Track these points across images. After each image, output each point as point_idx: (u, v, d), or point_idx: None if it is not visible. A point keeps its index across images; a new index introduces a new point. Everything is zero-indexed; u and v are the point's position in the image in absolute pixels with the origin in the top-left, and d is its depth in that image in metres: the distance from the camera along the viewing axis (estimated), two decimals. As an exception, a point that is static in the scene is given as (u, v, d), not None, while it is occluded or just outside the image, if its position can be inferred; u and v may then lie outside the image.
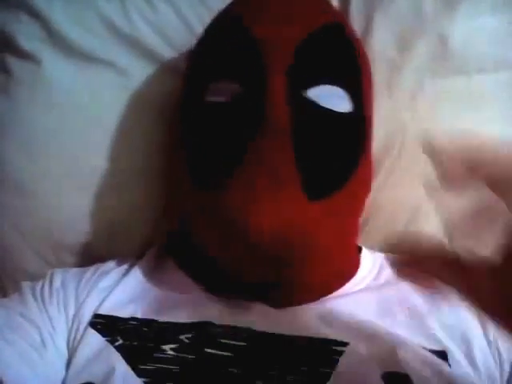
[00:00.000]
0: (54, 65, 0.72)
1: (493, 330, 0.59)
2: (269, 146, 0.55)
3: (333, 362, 0.53)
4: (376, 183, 0.70)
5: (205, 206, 0.58)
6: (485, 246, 0.70)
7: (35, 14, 0.72)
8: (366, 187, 0.64)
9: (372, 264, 0.66)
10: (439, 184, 0.70)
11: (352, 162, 0.59)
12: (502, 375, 0.56)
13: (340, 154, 0.58)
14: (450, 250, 0.70)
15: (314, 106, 0.57)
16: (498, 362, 0.57)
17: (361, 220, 0.68)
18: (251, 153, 0.55)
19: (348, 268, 0.65)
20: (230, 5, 0.65)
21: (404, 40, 0.71)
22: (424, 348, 0.56)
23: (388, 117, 0.71)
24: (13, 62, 0.72)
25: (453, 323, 0.59)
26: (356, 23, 0.73)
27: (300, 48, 0.57)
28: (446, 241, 0.70)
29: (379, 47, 0.72)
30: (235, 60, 0.59)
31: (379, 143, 0.71)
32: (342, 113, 0.59)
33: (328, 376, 0.52)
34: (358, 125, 0.61)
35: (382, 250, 0.71)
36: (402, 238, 0.72)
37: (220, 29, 0.63)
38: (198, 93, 0.61)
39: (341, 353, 0.54)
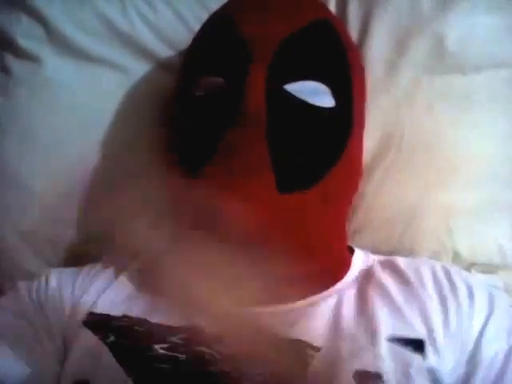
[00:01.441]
0: (54, 64, 0.73)
1: (453, 323, 0.56)
2: (243, 135, 0.56)
3: (306, 364, 0.53)
4: (374, 181, 0.71)
5: (183, 193, 0.59)
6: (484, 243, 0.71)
7: (35, 14, 0.72)
8: (347, 185, 0.63)
9: (364, 265, 0.64)
10: (437, 181, 0.70)
11: (329, 159, 0.59)
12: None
13: (316, 150, 0.59)
14: (450, 248, 0.70)
15: (292, 99, 0.58)
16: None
17: (359, 219, 0.68)
18: (226, 142, 0.56)
19: (335, 268, 0.63)
20: (222, 5, 0.66)
21: (401, 39, 0.72)
22: (401, 338, 0.55)
23: (386, 114, 0.71)
24: (12, 61, 0.73)
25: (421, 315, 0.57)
26: (354, 22, 0.74)
27: (284, 44, 0.58)
28: (445, 239, 0.70)
29: (377, 46, 0.72)
30: (221, 55, 0.60)
31: (377, 141, 0.71)
32: (321, 108, 0.59)
33: (303, 377, 0.52)
34: (339, 121, 0.61)
35: (380, 250, 0.70)
36: (401, 236, 0.72)
37: (209, 26, 0.65)
38: (188, 88, 0.62)
39: (312, 357, 0.53)
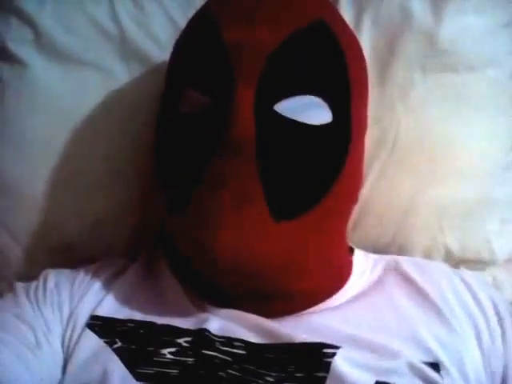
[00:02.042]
0: (42, 68, 0.72)
1: (487, 342, 0.58)
2: (231, 163, 0.52)
3: (326, 366, 0.53)
4: (370, 178, 0.72)
5: (174, 229, 0.59)
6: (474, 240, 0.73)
7: (24, 18, 0.71)
8: (347, 200, 0.62)
9: (365, 266, 0.66)
10: (430, 178, 0.71)
11: (327, 179, 0.56)
12: None
13: (312, 172, 0.55)
14: (442, 244, 0.72)
15: (283, 120, 0.54)
16: (490, 374, 0.57)
17: (353, 217, 0.69)
18: (211, 174, 0.53)
19: (337, 278, 0.64)
20: (204, 4, 0.62)
21: (393, 38, 0.72)
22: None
23: (381, 112, 0.72)
24: (2, 66, 0.72)
25: (445, 335, 0.57)
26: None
27: (273, 54, 0.54)
28: (437, 236, 0.72)
29: (369, 45, 0.72)
30: (205, 69, 0.56)
31: (373, 138, 0.71)
32: (316, 126, 0.55)
33: (323, 380, 0.53)
34: (337, 137, 0.57)
35: (376, 248, 0.72)
36: (394, 233, 0.73)
37: (191, 32, 0.61)
38: (172, 101, 0.59)
39: (333, 355, 0.54)
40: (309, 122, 0.55)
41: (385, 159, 0.72)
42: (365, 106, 0.66)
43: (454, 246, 0.72)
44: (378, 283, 0.63)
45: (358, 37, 0.70)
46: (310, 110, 0.55)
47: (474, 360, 0.57)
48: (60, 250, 0.74)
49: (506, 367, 0.57)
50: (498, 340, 0.58)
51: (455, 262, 0.72)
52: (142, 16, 0.74)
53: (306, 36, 0.56)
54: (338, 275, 0.64)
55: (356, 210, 0.69)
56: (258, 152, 0.53)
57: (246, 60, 0.54)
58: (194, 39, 0.59)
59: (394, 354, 0.55)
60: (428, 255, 0.72)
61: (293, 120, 0.55)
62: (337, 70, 0.58)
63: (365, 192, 0.71)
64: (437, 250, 0.72)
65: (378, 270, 0.65)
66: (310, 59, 0.56)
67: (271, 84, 0.54)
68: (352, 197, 0.63)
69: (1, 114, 0.72)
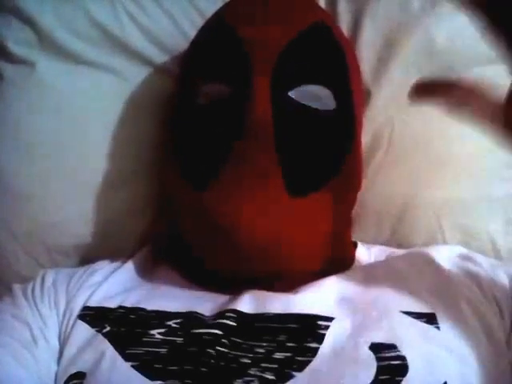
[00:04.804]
0: (46, 67, 0.73)
1: (488, 282, 0.59)
2: (252, 146, 0.57)
3: (320, 337, 0.54)
4: (366, 178, 0.71)
5: (192, 207, 0.60)
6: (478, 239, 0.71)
7: (26, 19, 0.72)
8: (353, 184, 0.65)
9: (368, 258, 0.67)
10: (427, 177, 0.71)
11: (336, 161, 0.61)
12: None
13: (323, 152, 0.60)
14: (443, 243, 0.71)
15: (297, 105, 0.59)
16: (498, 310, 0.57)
17: (352, 214, 0.68)
18: (235, 153, 0.57)
19: (341, 261, 0.65)
20: (219, 8, 0.67)
21: (391, 37, 0.72)
22: (411, 312, 0.56)
23: (376, 113, 0.72)
24: (4, 65, 0.73)
25: (439, 283, 0.59)
26: (344, 21, 0.74)
27: (285, 49, 0.59)
28: (437, 235, 0.71)
29: (367, 44, 0.73)
30: (222, 62, 0.61)
31: (368, 138, 0.72)
32: (325, 111, 0.60)
33: (315, 351, 0.53)
34: (342, 123, 0.62)
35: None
36: (392, 232, 0.73)
37: (208, 31, 0.65)
38: (190, 96, 0.62)
39: (327, 327, 0.55)
40: (318, 108, 0.60)
41: (381, 158, 0.73)
42: (361, 101, 0.68)
43: (456, 245, 0.70)
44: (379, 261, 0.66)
45: (356, 37, 0.73)
46: (318, 99, 0.60)
47: (468, 298, 0.57)
48: (63, 252, 0.74)
49: None
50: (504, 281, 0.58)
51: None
52: (144, 17, 0.75)
53: (316, 32, 0.62)
54: (341, 263, 0.65)
55: (354, 209, 0.68)
56: (276, 133, 0.57)
57: (260, 54, 0.59)
58: (210, 38, 0.64)
59: (386, 312, 0.56)
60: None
61: (303, 105, 0.59)
62: (340, 66, 0.63)
63: (362, 191, 0.70)
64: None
65: (381, 257, 0.67)
66: (319, 53, 0.62)
67: (284, 74, 0.59)
68: (357, 181, 0.65)
69: (5, 114, 0.73)
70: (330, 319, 0.55)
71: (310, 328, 0.55)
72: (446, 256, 0.63)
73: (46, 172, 0.72)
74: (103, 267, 0.67)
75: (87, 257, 0.74)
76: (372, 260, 0.67)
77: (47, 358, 0.57)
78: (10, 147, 0.72)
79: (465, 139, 0.71)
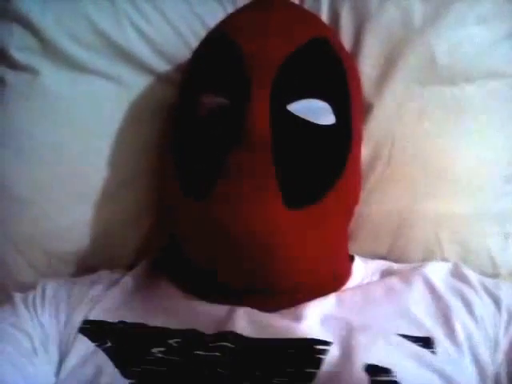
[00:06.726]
0: (50, 75, 0.73)
1: (480, 308, 0.59)
2: (250, 158, 0.57)
3: (317, 362, 0.54)
4: (364, 190, 0.71)
5: (192, 217, 0.60)
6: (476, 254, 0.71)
7: (28, 26, 0.72)
8: (350, 198, 0.65)
9: (365, 272, 0.67)
10: (427, 190, 0.71)
11: (333, 174, 0.61)
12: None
13: (320, 166, 0.60)
14: (440, 258, 0.71)
15: (295, 119, 0.59)
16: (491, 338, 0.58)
17: (349, 229, 0.68)
18: (233, 165, 0.57)
19: (337, 274, 0.65)
20: (221, 20, 0.67)
21: (393, 50, 0.72)
22: (407, 336, 0.57)
23: (376, 126, 0.72)
24: (7, 72, 0.73)
25: (435, 307, 0.60)
26: (346, 35, 0.74)
27: (285, 62, 0.59)
28: (435, 249, 0.71)
29: (369, 57, 0.73)
30: (222, 74, 0.61)
31: (368, 152, 0.71)
32: (323, 126, 0.60)
33: (313, 376, 0.53)
34: (340, 138, 0.62)
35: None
36: (391, 246, 0.73)
37: (209, 43, 0.66)
38: (189, 108, 0.63)
39: (324, 351, 0.55)
40: (317, 122, 0.60)
41: (380, 171, 0.72)
42: (361, 116, 0.68)
43: (453, 260, 0.70)
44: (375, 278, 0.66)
45: (358, 50, 0.73)
46: (317, 113, 0.60)
47: (462, 320, 0.58)
48: (63, 260, 0.74)
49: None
50: (491, 307, 0.60)
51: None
52: (146, 25, 0.75)
53: (316, 47, 0.62)
54: (337, 277, 0.65)
55: (352, 222, 0.68)
56: (274, 145, 0.57)
57: (260, 67, 0.59)
58: (211, 50, 0.64)
59: (385, 332, 0.56)
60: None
61: (302, 119, 0.60)
62: (340, 81, 0.63)
63: (360, 204, 0.70)
64: None
65: (376, 277, 0.67)
66: (319, 68, 0.62)
67: (283, 87, 0.59)
68: (354, 195, 0.66)
69: (8, 122, 0.73)
70: (328, 343, 0.56)
71: (308, 352, 0.55)
72: (441, 277, 0.63)
73: (46, 179, 0.72)
74: (103, 279, 0.68)
75: (87, 264, 0.74)
76: (369, 274, 0.67)
77: (47, 370, 0.57)
78: (11, 154, 0.72)
79: (464, 154, 0.71)
